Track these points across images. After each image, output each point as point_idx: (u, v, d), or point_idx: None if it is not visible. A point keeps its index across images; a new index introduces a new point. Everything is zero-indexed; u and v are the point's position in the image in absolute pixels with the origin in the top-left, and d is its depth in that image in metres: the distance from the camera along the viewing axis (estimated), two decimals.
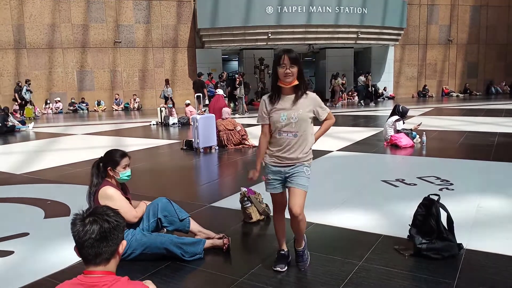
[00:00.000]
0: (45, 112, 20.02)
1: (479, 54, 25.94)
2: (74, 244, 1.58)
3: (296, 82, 2.63)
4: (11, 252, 3.30)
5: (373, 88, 21.17)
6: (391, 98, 23.41)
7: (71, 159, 7.40)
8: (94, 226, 1.54)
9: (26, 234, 3.69)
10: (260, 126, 2.80)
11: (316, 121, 2.77)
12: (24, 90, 17.99)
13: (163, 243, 2.99)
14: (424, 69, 25.33)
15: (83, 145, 9.50)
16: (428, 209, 2.95)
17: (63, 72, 20.52)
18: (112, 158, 3.09)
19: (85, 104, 20.69)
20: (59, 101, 20.24)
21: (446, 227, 2.98)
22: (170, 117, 12.94)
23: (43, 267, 3.01)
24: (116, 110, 20.78)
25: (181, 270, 2.90)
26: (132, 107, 21.03)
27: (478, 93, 25.19)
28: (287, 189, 2.73)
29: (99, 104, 20.93)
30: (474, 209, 3.94)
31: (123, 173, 3.09)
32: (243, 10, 19.04)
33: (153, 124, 13.18)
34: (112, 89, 21.32)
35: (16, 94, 18.37)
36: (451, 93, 24.88)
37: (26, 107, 17.96)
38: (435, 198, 3.00)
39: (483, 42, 25.75)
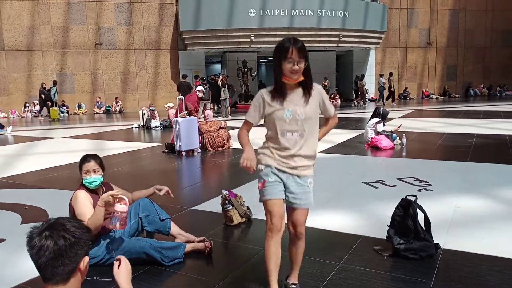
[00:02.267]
0: (24, 115, 19.63)
1: (457, 57, 26.48)
2: None
3: (302, 78, 2.29)
4: None
5: (393, 89, 21.85)
6: (372, 100, 23.69)
7: (50, 163, 7.28)
8: (48, 242, 1.36)
9: (2, 240, 3.61)
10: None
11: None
12: (53, 92, 17.79)
13: (143, 247, 2.96)
14: (404, 72, 25.73)
15: (63, 149, 9.34)
16: (406, 210, 2.99)
17: (43, 74, 20.17)
18: (79, 164, 3.01)
19: (65, 107, 20.37)
20: (37, 104, 19.87)
21: (423, 227, 3.03)
22: (152, 120, 12.84)
23: (20, 273, 2.94)
24: (97, 113, 20.52)
25: (160, 275, 2.88)
26: (114, 110, 20.80)
27: (457, 96, 25.71)
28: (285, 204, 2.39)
29: (79, 107, 20.64)
30: (451, 209, 4.02)
31: (86, 179, 2.97)
32: (226, 13, 19.06)
33: (135, 127, 13.06)
34: (93, 92, 21.04)
35: (43, 96, 18.29)
36: (431, 96, 25.32)
37: (51, 108, 17.65)
38: (412, 199, 3.05)
39: (462, 45, 26.30)
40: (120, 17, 20.83)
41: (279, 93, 2.30)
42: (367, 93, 21.51)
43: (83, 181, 2.99)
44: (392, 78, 21.29)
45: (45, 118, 18.21)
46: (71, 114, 20.39)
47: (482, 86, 26.51)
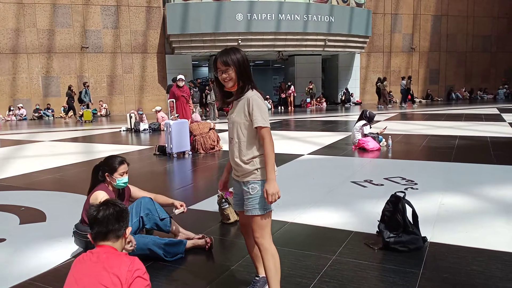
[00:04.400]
0: (9, 119, 19.41)
1: (440, 61, 27.11)
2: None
3: (239, 84, 2.28)
4: None
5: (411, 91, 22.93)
6: (358, 104, 24.09)
7: (39, 166, 7.29)
8: (109, 210, 1.98)
9: (3, 240, 3.67)
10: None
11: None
12: (83, 93, 17.78)
13: (146, 244, 3.07)
14: (388, 76, 26.20)
15: (51, 152, 9.33)
16: (395, 206, 3.17)
17: (28, 77, 20.01)
18: (110, 164, 3.16)
19: (50, 111, 20.20)
20: (22, 107, 19.67)
21: (411, 221, 3.21)
22: (141, 123, 12.88)
23: (24, 270, 3.03)
24: (69, 117, 20.35)
25: (164, 270, 2.99)
26: (99, 113, 20.69)
27: (439, 99, 26.29)
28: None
29: (65, 110, 20.46)
30: (436, 206, 4.22)
31: (120, 179, 3.16)
32: (213, 17, 19.20)
33: (123, 130, 13.07)
34: (79, 95, 20.87)
35: (69, 98, 18.43)
36: (415, 99, 25.81)
37: (85, 110, 17.57)
38: (401, 195, 3.23)
39: (444, 50, 26.95)
40: (106, 20, 20.79)
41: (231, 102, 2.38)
42: (388, 96, 22.23)
43: (118, 182, 3.15)
44: (411, 82, 22.21)
45: (70, 119, 18.31)
46: (56, 117, 20.22)
47: (463, 89, 27.16)
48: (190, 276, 2.92)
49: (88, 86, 18.34)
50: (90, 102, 18.35)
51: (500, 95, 26.25)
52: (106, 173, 3.17)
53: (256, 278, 2.58)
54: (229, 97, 2.38)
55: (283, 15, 19.82)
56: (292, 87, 21.64)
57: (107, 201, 2.11)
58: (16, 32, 19.48)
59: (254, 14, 19.49)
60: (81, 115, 17.68)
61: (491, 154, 7.08)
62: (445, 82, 27.31)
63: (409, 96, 25.61)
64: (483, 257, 3.02)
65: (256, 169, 2.27)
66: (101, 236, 1.96)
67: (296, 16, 20.07)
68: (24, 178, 6.37)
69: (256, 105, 2.23)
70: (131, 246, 2.69)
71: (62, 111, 20.33)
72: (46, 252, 3.35)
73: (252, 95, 2.27)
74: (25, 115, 19.69)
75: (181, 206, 3.39)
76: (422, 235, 3.23)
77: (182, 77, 10.65)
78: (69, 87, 18.70)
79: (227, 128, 2.51)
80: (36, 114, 19.79)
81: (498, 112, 15.65)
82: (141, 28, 21.32)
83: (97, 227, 1.96)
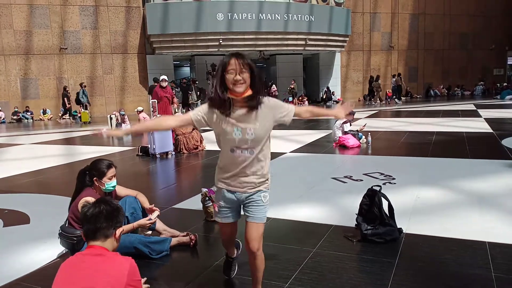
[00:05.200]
0: None
1: (418, 59, 27.65)
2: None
3: (250, 92, 2.16)
4: None
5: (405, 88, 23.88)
6: (339, 102, 24.37)
7: (20, 169, 7.23)
8: (102, 207, 2.01)
9: None
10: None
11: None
12: (80, 94, 17.45)
13: (132, 243, 3.13)
14: (369, 74, 26.58)
15: (31, 155, 9.23)
16: (372, 199, 3.31)
17: (5, 80, 19.65)
18: (98, 169, 3.13)
19: (29, 113, 19.89)
20: (0, 110, 19.32)
21: (388, 214, 3.35)
22: (123, 124, 12.82)
23: (11, 271, 3.05)
24: (63, 118, 20.12)
25: (149, 266, 3.06)
26: (79, 115, 20.43)
27: (418, 96, 26.81)
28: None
29: (44, 112, 20.20)
30: (413, 200, 4.39)
31: (109, 183, 3.15)
32: (194, 17, 19.19)
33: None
34: (58, 97, 20.61)
35: (65, 99, 18.22)
36: (393, 97, 26.28)
37: (82, 111, 17.26)
38: (377, 188, 3.37)
39: (422, 48, 27.49)
40: (85, 21, 20.56)
41: (227, 108, 2.19)
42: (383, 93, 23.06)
43: (107, 186, 3.14)
44: (401, 78, 22.92)
45: (66, 121, 18.15)
46: (35, 120, 19.93)
47: (441, 86, 27.75)
48: (175, 272, 2.99)
49: (85, 87, 18.09)
50: (88, 103, 18.07)
51: (477, 92, 26.94)
52: (95, 178, 3.16)
53: (230, 259, 2.72)
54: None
55: (264, 14, 19.95)
56: (274, 86, 21.90)
57: (100, 199, 2.13)
58: None
59: (235, 14, 19.56)
60: (80, 117, 17.53)
61: (466, 149, 7.33)
62: (424, 79, 27.87)
63: (389, 93, 26.15)
64: (455, 246, 3.18)
65: (267, 178, 2.32)
66: (90, 234, 1.98)
67: (276, 15, 20.22)
68: (5, 182, 6.32)
69: (281, 104, 2.28)
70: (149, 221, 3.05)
71: (42, 113, 20.01)
72: (31, 253, 3.38)
73: (273, 102, 2.25)
74: (3, 118, 19.33)
75: (153, 211, 3.26)
76: (398, 226, 3.38)
77: (165, 77, 10.66)
78: (64, 88, 18.45)
79: (210, 129, 2.33)
80: (15, 117, 19.45)
81: (475, 108, 16.09)
82: (121, 28, 21.15)
83: (86, 224, 1.99)
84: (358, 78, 26.48)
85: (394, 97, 22.72)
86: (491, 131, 9.44)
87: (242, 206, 2.36)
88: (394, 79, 22.92)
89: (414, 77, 27.77)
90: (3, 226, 4.12)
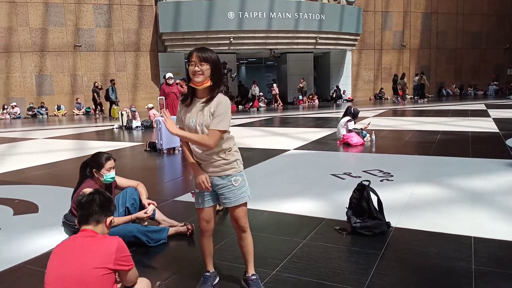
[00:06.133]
0: (3, 117, 19.54)
1: (430, 58, 27.45)
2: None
3: (208, 83, 2.35)
4: None
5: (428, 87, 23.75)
6: (349, 100, 24.38)
7: (33, 162, 7.51)
8: (95, 196, 2.18)
9: None
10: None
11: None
12: (110, 91, 17.75)
13: (131, 232, 3.32)
14: (380, 73, 26.53)
15: (44, 149, 9.52)
16: (361, 193, 3.44)
17: (21, 76, 20.12)
18: (97, 161, 3.30)
19: (44, 109, 20.35)
20: (15, 106, 19.80)
21: (376, 208, 3.47)
22: (133, 121, 13.08)
23: (17, 255, 3.27)
24: (77, 114, 20.56)
25: (147, 254, 3.24)
26: (92, 112, 20.83)
27: (430, 96, 26.61)
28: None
29: (59, 108, 20.64)
30: (407, 196, 4.49)
31: (107, 175, 3.31)
32: (205, 15, 19.39)
33: (116, 128, 13.28)
34: (72, 94, 21.07)
35: (95, 94, 18.49)
36: (405, 96, 26.15)
37: (112, 107, 17.62)
38: (366, 183, 3.49)
39: (434, 47, 27.28)
40: (99, 19, 20.93)
41: (188, 99, 2.44)
42: (406, 91, 23.11)
43: (105, 177, 3.29)
44: (422, 77, 22.75)
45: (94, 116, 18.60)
46: (50, 115, 20.38)
47: (454, 86, 27.52)
48: (172, 259, 3.17)
49: (114, 84, 18.36)
50: (116, 99, 18.33)
51: (490, 91, 26.64)
52: (94, 169, 3.33)
53: (207, 274, 2.69)
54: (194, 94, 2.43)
55: (275, 13, 20.05)
56: (275, 85, 22.20)
57: (96, 190, 2.31)
58: (9, 31, 19.58)
59: (246, 12, 19.70)
60: (109, 113, 17.89)
61: (468, 148, 7.37)
62: (436, 78, 27.65)
63: (401, 92, 26.02)
64: (441, 239, 3.29)
65: (236, 162, 2.47)
66: (83, 219, 2.13)
67: (287, 14, 20.30)
68: (18, 174, 6.59)
69: (224, 109, 2.36)
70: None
71: (56, 109, 20.44)
72: (38, 239, 3.59)
73: (222, 99, 2.38)
74: (19, 114, 19.82)
75: (149, 204, 3.42)
76: (388, 220, 3.50)
77: (171, 75, 10.90)
78: (94, 84, 18.75)
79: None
80: (30, 113, 19.92)
81: (485, 108, 15.97)
82: (134, 27, 21.47)
83: (80, 210, 2.16)
84: (369, 77, 26.41)
85: (416, 97, 22.65)
86: (497, 131, 9.43)
87: (216, 192, 2.51)
88: (416, 77, 22.69)
89: (426, 76, 27.52)
90: (13, 215, 4.35)
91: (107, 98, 18.20)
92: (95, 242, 2.02)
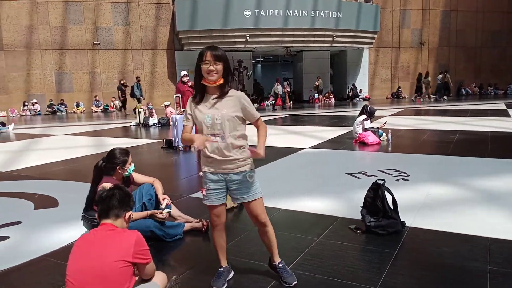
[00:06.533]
0: (23, 114, 19.97)
1: (449, 57, 27.02)
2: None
3: (221, 81, 2.45)
4: (7, 237, 3.64)
5: (456, 85, 23.61)
6: (366, 99, 24.19)
7: (53, 158, 7.68)
8: (115, 191, 2.25)
9: (19, 222, 4.02)
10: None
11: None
12: (135, 88, 17.97)
13: (148, 226, 3.39)
14: (397, 71, 26.23)
15: (64, 145, 9.73)
16: (375, 192, 3.44)
17: (41, 74, 20.53)
18: (120, 158, 3.43)
19: (64, 106, 20.73)
20: (35, 103, 20.22)
21: (391, 207, 3.47)
22: (150, 118, 13.24)
23: (38, 248, 3.37)
24: (95, 111, 20.89)
25: (164, 249, 3.31)
26: (115, 107, 21.07)
27: (449, 95, 26.20)
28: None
29: (78, 105, 21.00)
30: (423, 196, 4.46)
31: (130, 168, 3.48)
32: (222, 13, 19.47)
33: (133, 125, 13.46)
34: (91, 91, 21.41)
35: (119, 92, 18.68)
36: (423, 95, 25.79)
37: (137, 104, 17.87)
38: (381, 182, 3.49)
39: (453, 45, 26.84)
40: (117, 17, 21.20)
41: (200, 97, 2.50)
42: (427, 90, 22.61)
43: (129, 171, 3.47)
44: (446, 75, 22.30)
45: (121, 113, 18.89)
46: (69, 112, 20.76)
47: (473, 85, 27.04)
48: (187, 253, 3.23)
49: (139, 81, 18.53)
50: (142, 96, 18.47)
51: (510, 90, 26.09)
52: (118, 167, 3.43)
53: (221, 269, 2.72)
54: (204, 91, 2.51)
55: (291, 11, 20.00)
56: (285, 83, 22.25)
57: (115, 185, 2.39)
58: (30, 29, 19.99)
59: (262, 11, 19.71)
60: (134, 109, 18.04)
61: (487, 148, 7.26)
62: (455, 77, 27.16)
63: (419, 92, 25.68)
64: (455, 240, 3.28)
65: (249, 158, 2.52)
66: (103, 214, 2.21)
67: (303, 12, 20.23)
68: (38, 169, 6.75)
69: (249, 102, 2.55)
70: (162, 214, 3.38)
71: (75, 106, 20.81)
72: (58, 233, 3.70)
73: (242, 94, 2.53)
74: (39, 110, 20.24)
75: (164, 199, 3.54)
76: (402, 220, 3.49)
77: (186, 72, 11.06)
78: (120, 81, 18.97)
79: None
80: (50, 109, 20.33)
81: (505, 108, 15.67)
82: (151, 25, 21.70)
83: (101, 205, 2.23)
84: (387, 75, 26.15)
85: (442, 96, 22.26)
86: None
87: (228, 188, 2.56)
88: (440, 76, 22.31)
89: (459, 76, 27.15)
90: (34, 209, 4.47)
91: (132, 95, 18.34)
92: (115, 236, 2.08)
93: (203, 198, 2.60)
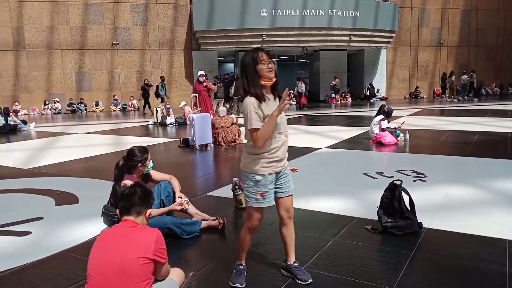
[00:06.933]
0: (44, 112, 20.40)
1: (469, 56, 26.55)
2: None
3: (275, 79, 2.52)
4: (29, 233, 3.75)
5: (477, 85, 23.21)
6: (384, 99, 23.95)
7: (73, 156, 7.84)
8: (137, 189, 2.31)
9: (40, 218, 4.13)
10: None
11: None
12: (160, 87, 18.27)
13: (166, 223, 3.45)
14: (415, 71, 25.91)
15: (83, 143, 9.91)
16: (392, 193, 3.42)
17: (62, 73, 20.92)
18: (141, 156, 3.53)
19: (83, 105, 21.10)
20: (57, 101, 20.65)
21: (408, 208, 3.45)
22: (168, 117, 13.37)
23: (60, 243, 3.46)
24: (114, 110, 21.20)
25: (180, 246, 3.36)
26: (135, 106, 21.32)
27: (469, 95, 25.74)
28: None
29: (97, 104, 21.34)
30: (441, 197, 4.42)
31: (150, 165, 3.60)
32: (238, 13, 19.53)
33: (151, 124, 13.62)
34: (110, 90, 21.74)
35: (143, 91, 18.86)
36: (442, 95, 25.39)
37: (160, 104, 18.15)
38: (398, 183, 3.47)
39: (473, 44, 26.37)
40: (136, 18, 21.47)
41: (263, 98, 2.47)
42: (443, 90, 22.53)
43: (149, 167, 3.59)
44: (474, 76, 22.08)
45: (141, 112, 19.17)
46: (88, 111, 21.12)
47: (493, 85, 26.52)
48: (204, 251, 3.27)
49: (163, 80, 18.72)
50: (166, 96, 18.60)
51: None
52: (140, 164, 3.53)
53: (241, 266, 2.76)
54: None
55: (308, 10, 19.93)
56: (297, 82, 22.23)
57: (136, 183, 2.45)
58: (51, 30, 20.39)
59: (279, 10, 19.70)
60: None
61: (507, 149, 7.13)
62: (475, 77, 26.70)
63: (438, 92, 25.30)
64: (474, 242, 3.24)
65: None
66: (125, 210, 2.26)
67: (320, 11, 20.15)
68: (59, 166, 6.91)
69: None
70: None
71: (94, 105, 21.15)
72: (78, 228, 3.79)
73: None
74: (59, 109, 20.64)
75: (179, 197, 3.68)
76: (420, 221, 3.46)
77: (202, 72, 11.20)
78: (144, 81, 19.18)
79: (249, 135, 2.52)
80: (70, 108, 20.71)
81: None
82: (169, 25, 21.90)
83: (122, 202, 2.29)
84: (405, 75, 25.84)
85: (467, 95, 22.03)
86: None
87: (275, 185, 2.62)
88: (466, 76, 21.88)
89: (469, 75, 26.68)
90: (55, 205, 4.58)
91: (157, 94, 18.49)
92: (136, 232, 2.13)
93: (258, 201, 2.56)
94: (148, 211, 2.32)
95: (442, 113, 15.23)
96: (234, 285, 2.64)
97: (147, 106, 19.02)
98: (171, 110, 13.89)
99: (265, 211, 2.66)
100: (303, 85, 21.91)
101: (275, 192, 2.63)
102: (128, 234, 2.13)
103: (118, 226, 2.22)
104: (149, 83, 18.85)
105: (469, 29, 26.05)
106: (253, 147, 2.52)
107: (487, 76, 26.75)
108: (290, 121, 13.59)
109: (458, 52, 26.22)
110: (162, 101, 17.79)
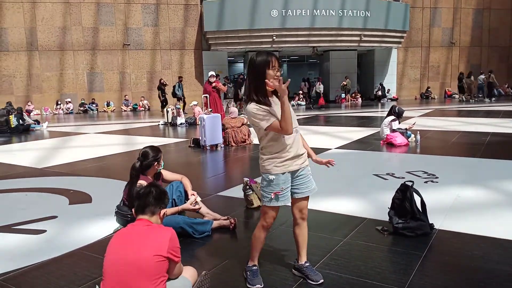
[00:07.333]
0: (56, 112, 20.65)
1: (481, 56, 26.26)
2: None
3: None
4: (43, 231, 3.81)
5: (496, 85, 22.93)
6: (394, 99, 23.80)
7: (85, 155, 7.94)
8: (152, 189, 2.35)
9: (54, 217, 4.20)
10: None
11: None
12: (176, 87, 18.32)
13: (178, 223, 3.49)
14: (427, 71, 25.70)
15: (95, 143, 10.03)
16: (404, 194, 3.42)
17: (74, 73, 21.16)
18: (155, 156, 3.63)
19: (95, 105, 21.31)
20: (69, 101, 20.89)
21: (420, 209, 3.44)
22: (178, 118, 13.46)
23: (74, 241, 3.52)
24: (125, 110, 21.38)
25: (192, 245, 3.39)
26: (146, 106, 21.46)
27: (480, 95, 25.46)
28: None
29: (108, 105, 21.54)
30: (452, 198, 4.40)
31: (162, 163, 3.72)
32: (249, 14, 19.57)
33: (161, 124, 13.72)
34: (121, 90, 21.93)
35: (160, 91, 18.77)
36: (453, 95, 25.17)
37: (178, 103, 18.26)
38: (410, 184, 3.47)
39: (486, 44, 26.07)
40: (147, 18, 21.63)
41: (266, 100, 2.48)
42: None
43: (162, 166, 3.71)
44: (492, 76, 21.84)
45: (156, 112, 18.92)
46: (100, 111, 21.32)
47: (506, 86, 26.19)
48: (215, 250, 3.30)
49: (181, 81, 18.77)
50: (183, 96, 18.62)
51: None
52: (156, 163, 3.63)
53: (255, 267, 2.76)
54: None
55: (318, 10, 19.91)
56: (303, 83, 22.36)
57: (151, 183, 2.49)
58: (63, 30, 20.64)
59: (289, 10, 19.70)
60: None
61: None
62: (488, 78, 26.38)
63: (448, 92, 25.08)
64: (486, 243, 3.23)
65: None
66: (140, 209, 2.30)
67: (331, 11, 20.11)
68: (72, 166, 7.00)
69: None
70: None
71: (105, 105, 21.36)
72: (92, 227, 3.85)
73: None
74: (71, 109, 20.88)
75: (192, 194, 3.76)
76: (431, 222, 3.45)
77: (213, 73, 11.24)
78: (160, 80, 19.27)
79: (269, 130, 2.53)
80: (82, 108, 20.94)
81: None
82: (179, 25, 22.02)
83: (137, 201, 2.33)
84: (415, 75, 25.65)
85: (480, 95, 21.90)
86: None
87: (292, 184, 2.63)
88: (483, 76, 21.71)
89: (477, 75, 26.36)
90: (69, 204, 4.65)
91: (174, 94, 18.54)
92: (151, 231, 2.17)
93: (272, 201, 2.58)
94: (163, 211, 2.37)
95: (454, 114, 15.09)
96: (255, 287, 2.64)
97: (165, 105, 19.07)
98: (181, 110, 13.97)
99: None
100: (322, 86, 21.93)
101: (292, 192, 2.65)
102: (143, 232, 2.17)
103: (133, 225, 2.26)
104: (165, 82, 18.88)
105: (481, 29, 25.77)
106: (265, 147, 2.58)
107: (499, 76, 26.34)
108: (300, 122, 13.56)
109: (470, 52, 25.95)
110: (179, 100, 17.80)
